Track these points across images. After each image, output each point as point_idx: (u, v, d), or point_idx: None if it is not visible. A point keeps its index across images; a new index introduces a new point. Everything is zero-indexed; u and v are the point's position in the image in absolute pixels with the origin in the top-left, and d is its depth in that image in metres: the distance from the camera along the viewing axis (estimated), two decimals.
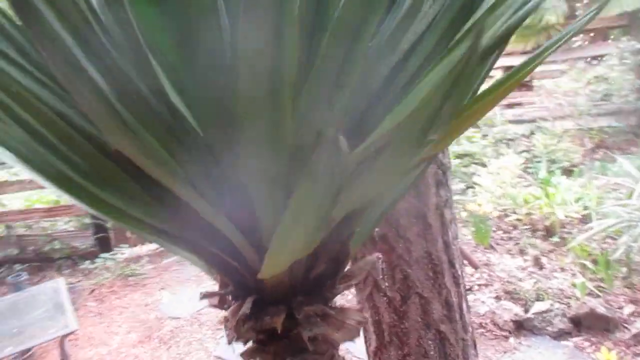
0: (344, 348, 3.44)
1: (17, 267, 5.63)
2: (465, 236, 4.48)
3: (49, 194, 7.83)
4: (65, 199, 5.08)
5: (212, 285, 0.99)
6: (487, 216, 4.25)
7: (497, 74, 8.20)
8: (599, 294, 3.29)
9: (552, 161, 5.80)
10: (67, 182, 0.64)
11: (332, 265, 0.78)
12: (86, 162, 0.61)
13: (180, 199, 0.59)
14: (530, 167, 5.48)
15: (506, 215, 4.52)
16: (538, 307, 3.15)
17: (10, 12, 0.64)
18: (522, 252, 4.01)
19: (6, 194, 6.88)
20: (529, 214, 4.27)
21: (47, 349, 3.96)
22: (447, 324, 1.83)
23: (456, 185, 5.51)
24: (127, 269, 5.28)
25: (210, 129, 0.56)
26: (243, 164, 0.56)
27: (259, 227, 0.62)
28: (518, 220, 4.38)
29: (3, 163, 4.20)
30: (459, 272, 1.87)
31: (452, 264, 1.82)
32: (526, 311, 3.20)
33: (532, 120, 7.15)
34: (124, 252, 5.73)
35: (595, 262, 3.52)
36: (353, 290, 2.40)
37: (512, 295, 3.35)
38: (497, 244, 4.28)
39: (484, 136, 6.41)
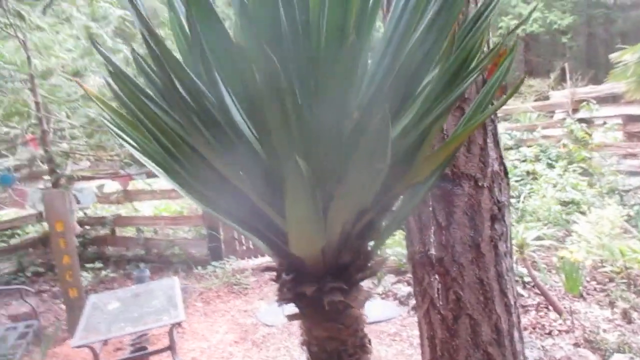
0: None
1: (142, 265, 6.42)
2: (556, 283, 4.45)
3: (175, 205, 8.80)
4: (186, 209, 5.80)
5: None
6: (579, 264, 4.20)
7: (617, 120, 7.90)
8: None
9: None
10: (175, 174, 1.02)
11: (354, 259, 1.08)
12: (184, 160, 0.98)
13: (242, 193, 0.94)
14: (636, 220, 5.26)
15: (601, 266, 4.42)
16: (617, 358, 3.11)
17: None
18: (612, 304, 3.92)
19: (140, 202, 7.88)
20: (626, 267, 4.16)
21: (158, 337, 4.55)
22: (496, 348, 2.01)
23: (555, 231, 5.44)
24: (233, 278, 5.83)
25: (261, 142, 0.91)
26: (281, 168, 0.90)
27: None
28: (614, 272, 4.27)
29: (140, 174, 4.96)
30: (512, 302, 2.05)
31: (504, 293, 2.01)
32: None
33: None
34: (232, 262, 6.32)
35: None
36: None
37: (592, 345, 3.33)
38: (588, 294, 4.21)
39: (592, 185, 6.23)
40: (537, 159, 7.53)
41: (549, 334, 3.65)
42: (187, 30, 0.91)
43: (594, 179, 6.65)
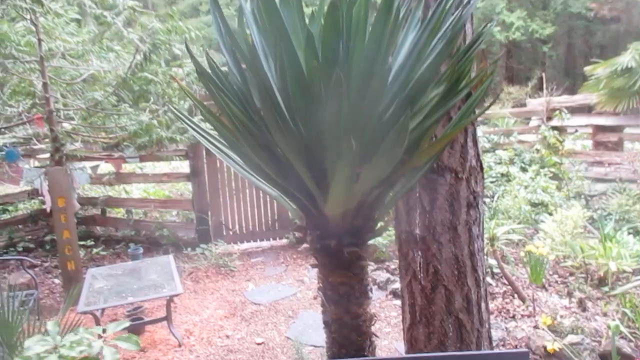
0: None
1: (133, 245, 6.68)
2: (522, 274, 4.87)
3: (164, 190, 9.04)
4: (174, 194, 6.14)
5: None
6: (543, 259, 4.61)
7: (588, 130, 8.39)
8: (632, 338, 3.59)
9: (626, 220, 5.99)
10: (241, 155, 1.35)
11: (365, 222, 1.43)
12: (253, 144, 1.31)
13: (288, 164, 1.27)
14: (598, 222, 5.72)
15: (563, 261, 4.86)
16: (570, 338, 3.52)
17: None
18: (569, 294, 4.35)
19: (131, 184, 8.11)
20: (584, 263, 4.60)
21: (152, 310, 4.84)
22: (465, 314, 2.38)
23: (524, 229, 5.89)
24: (221, 260, 6.13)
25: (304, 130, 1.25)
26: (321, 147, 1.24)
27: (326, 186, 1.30)
28: (574, 267, 4.71)
29: (134, 158, 5.28)
30: (481, 277, 2.42)
31: (475, 269, 2.38)
32: None
33: (615, 180, 7.27)
34: (219, 246, 6.62)
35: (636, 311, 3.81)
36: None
37: (549, 328, 3.74)
38: (550, 285, 4.64)
39: (560, 189, 6.70)
40: (511, 162, 7.98)
41: (513, 317, 4.07)
42: (264, 50, 1.24)
43: (562, 183, 7.12)
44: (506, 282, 4.54)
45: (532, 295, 4.27)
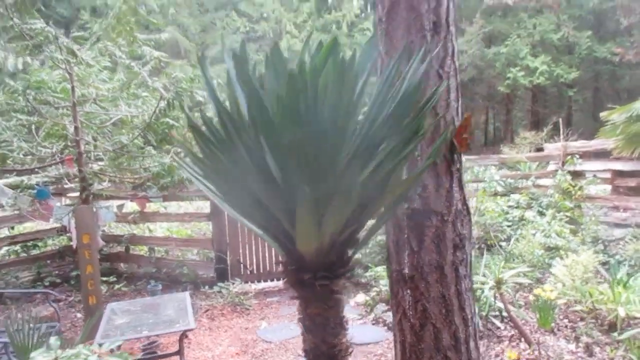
0: None
1: (153, 282, 6.89)
2: (531, 319, 4.89)
3: (186, 229, 9.32)
4: (196, 233, 6.42)
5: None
6: (552, 303, 4.63)
7: (606, 175, 8.41)
8: None
9: None
10: (225, 197, 1.54)
11: (338, 258, 1.59)
12: (234, 187, 1.50)
13: (271, 212, 1.46)
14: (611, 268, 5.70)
15: (573, 306, 4.85)
16: None
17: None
18: (577, 338, 4.35)
19: (155, 223, 8.41)
20: (593, 307, 4.59)
21: (167, 345, 4.99)
22: (453, 352, 2.48)
23: (537, 273, 5.91)
24: (237, 298, 6.28)
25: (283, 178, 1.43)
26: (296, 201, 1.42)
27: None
28: (583, 312, 4.70)
29: (157, 197, 5.58)
30: (469, 316, 2.53)
31: (462, 308, 2.50)
32: None
33: (631, 226, 7.22)
34: (236, 285, 6.77)
35: None
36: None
37: None
38: (559, 330, 4.63)
39: (575, 233, 6.70)
40: (529, 206, 8.01)
41: (518, 359, 4.09)
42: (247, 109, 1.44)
43: (579, 228, 7.11)
44: (514, 325, 4.56)
45: (539, 339, 4.29)
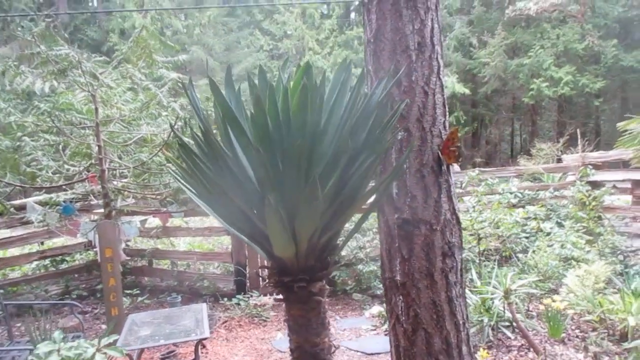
0: None
1: (174, 294, 7.10)
2: (543, 329, 4.90)
3: (207, 243, 9.55)
4: (217, 247, 6.64)
5: None
6: (562, 312, 4.65)
7: (626, 185, 8.33)
8: None
9: None
10: (213, 207, 1.70)
11: (317, 263, 1.74)
12: (220, 198, 1.67)
13: (253, 221, 1.61)
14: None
15: (585, 316, 4.85)
16: None
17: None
18: (586, 349, 4.36)
19: (177, 237, 8.66)
20: (604, 317, 4.60)
21: (185, 355, 5.17)
22: (445, 357, 2.58)
23: (551, 284, 5.92)
24: (254, 310, 6.44)
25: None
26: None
27: None
28: (594, 321, 4.70)
29: (179, 213, 5.81)
30: (461, 322, 2.63)
31: (453, 314, 2.60)
32: None
33: None
34: (254, 297, 6.93)
35: None
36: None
37: None
38: (569, 339, 4.64)
39: (592, 245, 6.68)
40: (547, 218, 7.99)
41: None
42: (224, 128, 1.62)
43: (597, 239, 7.07)
44: (522, 335, 4.59)
45: (548, 349, 4.32)
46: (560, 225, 7.73)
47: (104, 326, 6.37)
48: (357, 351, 4.94)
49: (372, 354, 4.86)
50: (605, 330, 4.66)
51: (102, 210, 7.36)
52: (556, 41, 22.35)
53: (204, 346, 5.33)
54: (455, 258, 2.62)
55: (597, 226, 7.08)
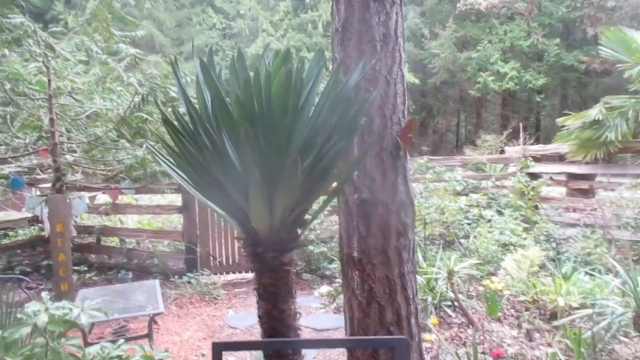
0: None
1: (123, 271, 7.07)
2: (481, 308, 5.26)
3: (156, 222, 9.48)
4: (167, 226, 6.67)
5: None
6: (499, 293, 5.01)
7: (561, 177, 8.87)
8: None
9: (586, 262, 6.40)
10: (192, 179, 1.81)
11: (287, 235, 1.87)
12: (200, 172, 1.77)
13: (232, 195, 1.73)
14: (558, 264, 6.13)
15: (520, 296, 5.24)
16: None
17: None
18: (519, 326, 4.73)
19: (126, 215, 8.56)
20: (537, 298, 4.99)
21: (136, 330, 5.20)
22: (396, 328, 2.79)
23: (490, 267, 6.31)
24: (205, 288, 6.51)
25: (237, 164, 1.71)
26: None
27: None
28: (528, 302, 5.09)
29: (130, 190, 5.80)
30: (411, 296, 2.84)
31: (404, 288, 2.80)
32: None
33: (586, 226, 7.67)
34: (205, 276, 7.00)
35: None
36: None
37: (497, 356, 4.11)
38: (505, 318, 5.01)
39: (528, 232, 7.13)
40: (489, 206, 8.44)
41: (464, 344, 4.44)
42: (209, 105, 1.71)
43: (533, 227, 7.55)
44: (463, 314, 4.91)
45: (485, 326, 4.65)
46: (500, 213, 8.18)
47: None
48: (307, 327, 5.12)
49: (321, 329, 5.07)
50: (538, 310, 5.04)
51: (47, 184, 7.20)
52: (503, 37, 23.16)
53: (155, 322, 5.37)
54: (409, 237, 2.82)
55: (533, 215, 7.55)
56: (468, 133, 32.81)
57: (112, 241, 8.21)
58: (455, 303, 5.14)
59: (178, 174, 1.87)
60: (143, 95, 5.12)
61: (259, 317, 2.06)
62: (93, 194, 7.47)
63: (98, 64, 5.54)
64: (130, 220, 9.45)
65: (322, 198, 2.61)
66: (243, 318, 5.60)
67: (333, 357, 4.49)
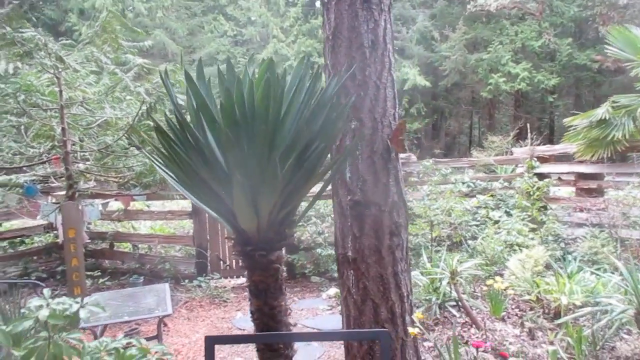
0: None
1: (135, 276, 7.22)
2: (485, 308, 5.30)
3: (169, 227, 9.64)
4: (178, 231, 6.82)
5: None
6: (502, 293, 5.05)
7: (570, 177, 8.86)
8: None
9: (593, 262, 6.41)
10: (185, 184, 1.91)
11: (276, 235, 1.97)
12: (192, 177, 1.88)
13: (221, 197, 1.83)
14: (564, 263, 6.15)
15: (524, 296, 5.27)
16: None
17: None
18: (522, 325, 4.76)
19: (138, 220, 8.73)
20: (541, 297, 5.02)
21: (147, 333, 5.34)
22: (390, 325, 2.87)
23: (495, 267, 6.34)
24: (215, 291, 6.64)
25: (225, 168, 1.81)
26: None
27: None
28: (532, 301, 5.12)
29: (141, 196, 5.95)
30: (405, 294, 2.92)
31: (398, 287, 2.89)
32: None
33: (594, 225, 7.66)
34: (215, 280, 7.13)
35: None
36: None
37: (496, 352, 4.16)
38: (509, 317, 5.05)
39: (535, 232, 7.15)
40: (497, 207, 8.46)
41: (466, 343, 4.49)
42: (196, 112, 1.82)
43: (540, 227, 7.56)
44: (466, 313, 4.97)
45: (488, 325, 4.69)
46: (508, 214, 8.20)
47: None
48: (314, 328, 5.21)
49: (327, 331, 5.15)
50: (541, 309, 5.08)
51: (62, 192, 7.39)
52: (514, 38, 23.08)
53: (165, 324, 5.51)
54: (401, 236, 2.90)
55: (540, 215, 7.56)
56: (481, 135, 32.65)
57: (125, 247, 8.39)
58: (459, 303, 5.19)
59: (173, 179, 1.98)
60: (150, 104, 5.27)
61: (251, 312, 2.16)
62: (106, 200, 7.66)
63: (107, 74, 5.70)
64: (143, 226, 9.64)
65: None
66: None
67: (337, 358, 4.58)
